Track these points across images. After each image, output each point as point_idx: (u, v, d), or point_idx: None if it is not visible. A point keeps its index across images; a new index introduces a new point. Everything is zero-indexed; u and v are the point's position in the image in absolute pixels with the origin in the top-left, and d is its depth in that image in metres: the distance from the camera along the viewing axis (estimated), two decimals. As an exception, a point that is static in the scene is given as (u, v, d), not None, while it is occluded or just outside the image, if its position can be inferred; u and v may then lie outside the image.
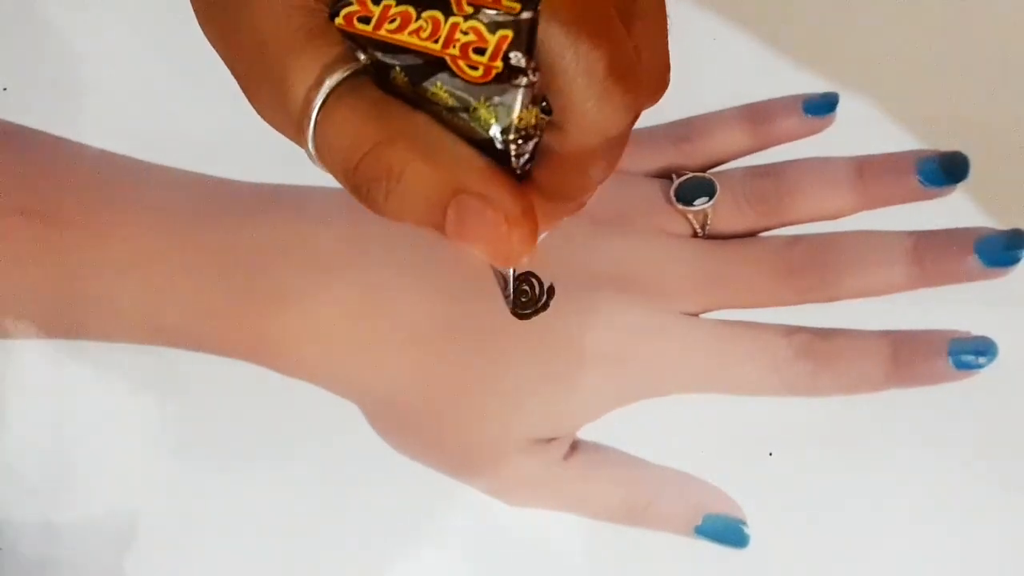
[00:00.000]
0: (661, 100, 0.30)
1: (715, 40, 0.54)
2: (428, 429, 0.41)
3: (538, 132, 0.28)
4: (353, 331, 0.40)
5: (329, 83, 0.27)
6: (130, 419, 0.51)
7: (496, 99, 0.27)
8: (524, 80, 0.26)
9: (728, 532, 0.42)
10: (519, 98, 0.27)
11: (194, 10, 0.30)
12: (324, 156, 0.28)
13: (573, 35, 0.26)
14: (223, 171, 0.42)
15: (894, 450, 0.51)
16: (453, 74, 0.26)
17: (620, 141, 0.28)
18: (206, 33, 0.30)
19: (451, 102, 0.27)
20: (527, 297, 0.39)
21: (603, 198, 0.42)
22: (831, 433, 0.50)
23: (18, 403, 0.50)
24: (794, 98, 0.43)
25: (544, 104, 0.28)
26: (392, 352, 0.40)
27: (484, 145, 0.27)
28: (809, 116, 0.43)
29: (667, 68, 0.30)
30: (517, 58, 0.26)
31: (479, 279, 0.40)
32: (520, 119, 0.27)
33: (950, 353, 0.39)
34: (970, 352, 0.38)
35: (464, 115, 0.27)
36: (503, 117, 0.27)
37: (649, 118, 0.43)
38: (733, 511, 0.42)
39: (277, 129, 0.29)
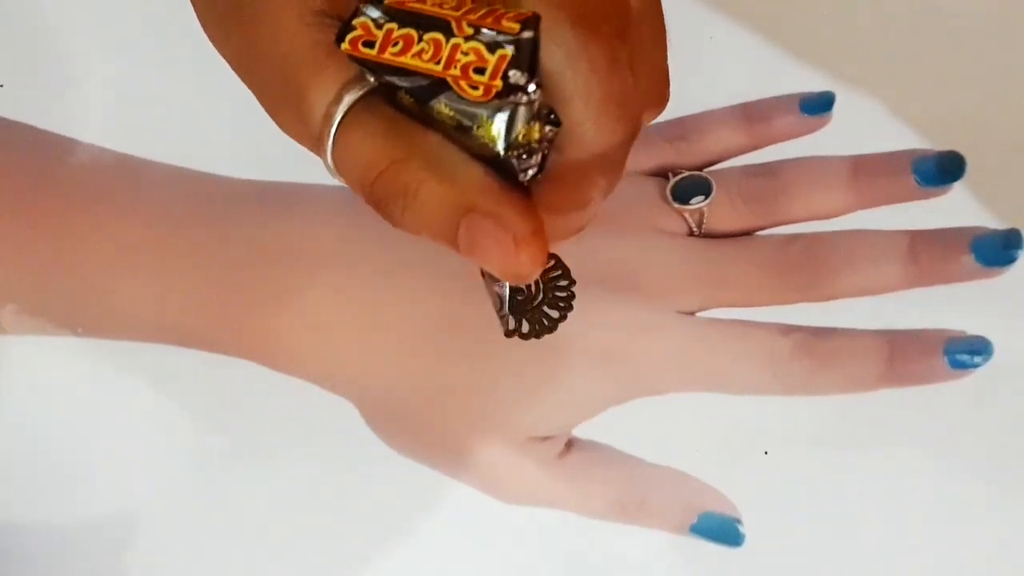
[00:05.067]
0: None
1: (712, 39, 0.54)
2: (423, 427, 0.41)
3: (544, 146, 0.28)
4: (350, 329, 0.40)
5: (348, 99, 0.28)
6: (131, 419, 0.51)
7: (497, 116, 0.27)
8: (524, 98, 0.27)
9: (723, 531, 0.42)
10: (520, 115, 0.27)
11: (205, 29, 0.30)
12: (342, 170, 0.29)
13: (572, 57, 0.27)
14: (220, 168, 0.42)
15: (890, 449, 0.51)
16: (455, 94, 0.27)
17: (619, 158, 0.29)
18: (220, 51, 0.30)
19: (456, 121, 0.28)
20: (523, 296, 0.39)
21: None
22: (827, 432, 0.50)
23: (18, 403, 0.50)
24: (790, 97, 0.43)
25: (552, 116, 0.28)
26: (388, 350, 0.40)
27: (493, 161, 0.28)
28: (805, 115, 0.43)
29: (666, 83, 0.31)
30: (516, 76, 0.26)
31: (475, 278, 0.40)
32: (522, 135, 0.28)
33: (945, 352, 0.39)
34: (965, 352, 0.38)
35: (469, 133, 0.28)
36: (505, 134, 0.27)
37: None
38: (728, 510, 0.42)
39: (295, 140, 0.30)
